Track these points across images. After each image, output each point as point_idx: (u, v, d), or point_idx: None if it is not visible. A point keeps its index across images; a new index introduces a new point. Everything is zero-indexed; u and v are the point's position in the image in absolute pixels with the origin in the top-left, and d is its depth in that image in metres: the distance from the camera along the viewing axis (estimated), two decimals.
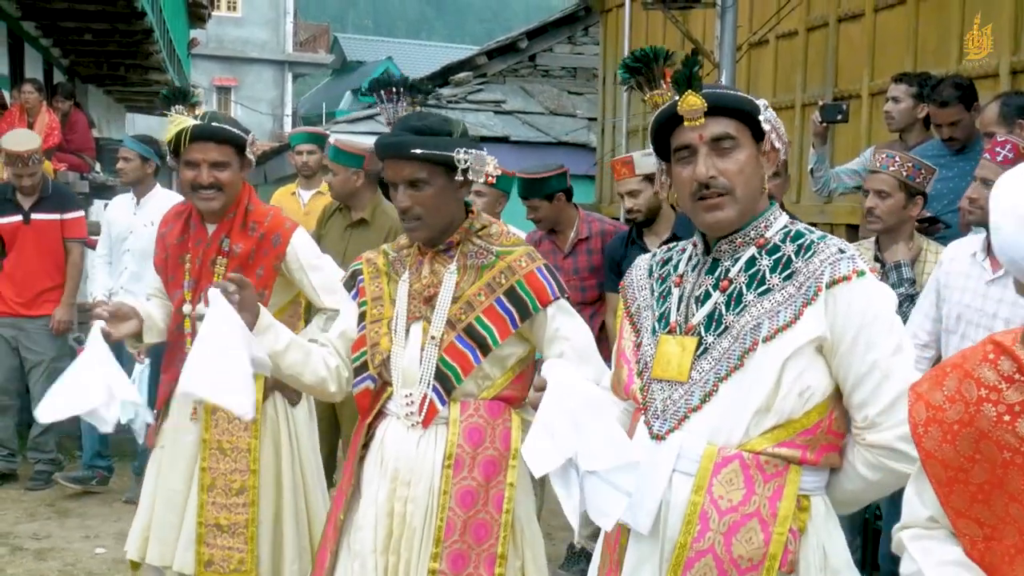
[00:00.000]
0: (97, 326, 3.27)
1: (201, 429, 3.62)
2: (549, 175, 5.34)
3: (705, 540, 2.10)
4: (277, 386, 3.61)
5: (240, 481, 3.60)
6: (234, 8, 37.28)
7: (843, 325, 2.09)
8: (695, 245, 2.31)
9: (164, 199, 6.24)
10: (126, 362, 5.31)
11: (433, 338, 2.77)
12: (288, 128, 34.59)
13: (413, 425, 2.79)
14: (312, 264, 3.67)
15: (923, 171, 4.17)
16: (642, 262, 2.43)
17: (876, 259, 4.33)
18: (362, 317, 2.90)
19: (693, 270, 2.27)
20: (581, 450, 2.07)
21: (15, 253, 6.64)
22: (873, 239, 4.38)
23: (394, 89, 2.94)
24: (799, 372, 2.09)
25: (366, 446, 2.90)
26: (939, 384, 1.71)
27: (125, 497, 6.46)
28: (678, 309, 2.25)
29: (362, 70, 36.55)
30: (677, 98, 2.18)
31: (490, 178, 2.80)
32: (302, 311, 4.00)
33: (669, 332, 2.24)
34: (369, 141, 6.16)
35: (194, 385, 2.69)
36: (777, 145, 2.21)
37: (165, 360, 3.74)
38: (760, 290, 2.15)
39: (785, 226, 2.22)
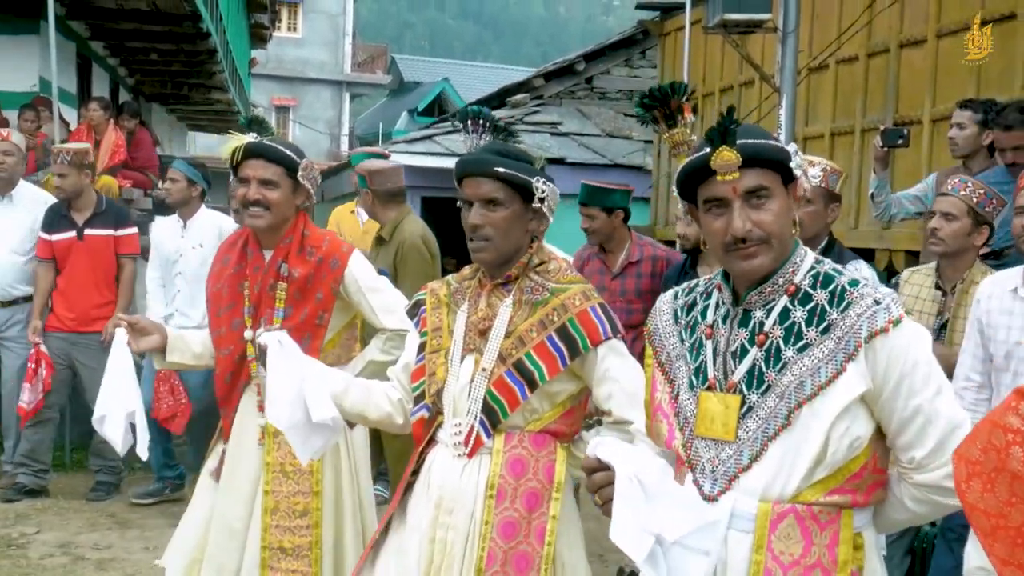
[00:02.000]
0: (120, 334, 3.44)
1: (264, 452, 3.67)
2: (615, 188, 5.40)
3: None
4: None
5: (303, 503, 3.64)
6: (294, 29, 37.78)
7: (884, 375, 2.11)
8: (720, 290, 2.29)
9: (209, 219, 6.39)
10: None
11: (484, 370, 2.80)
12: (345, 148, 34.96)
13: (460, 455, 2.82)
14: (370, 286, 3.72)
15: (995, 200, 4.11)
16: (665, 306, 2.40)
17: (937, 286, 4.29)
18: (422, 348, 2.95)
19: (724, 321, 2.26)
20: (663, 523, 2.04)
21: (68, 269, 6.69)
22: (934, 264, 4.32)
23: (481, 122, 2.95)
24: (847, 426, 2.11)
25: (416, 472, 2.94)
26: (974, 441, 1.75)
27: (133, 495, 6.65)
28: (715, 364, 2.24)
29: (419, 91, 36.86)
30: (708, 150, 2.13)
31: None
32: (358, 333, 4.05)
33: (708, 388, 2.23)
34: (380, 162, 6.27)
35: (274, 418, 2.88)
36: (805, 185, 2.15)
37: (221, 388, 3.77)
38: (798, 345, 2.14)
39: (812, 268, 2.21)
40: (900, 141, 5.48)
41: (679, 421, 2.27)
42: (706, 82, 10.34)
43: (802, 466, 2.11)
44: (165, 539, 5.96)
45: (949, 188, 4.16)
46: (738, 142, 2.12)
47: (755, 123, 8.75)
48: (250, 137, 3.60)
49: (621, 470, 2.09)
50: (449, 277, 3.05)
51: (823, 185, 4.09)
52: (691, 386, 2.26)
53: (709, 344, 2.26)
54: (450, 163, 11.65)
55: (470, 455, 2.81)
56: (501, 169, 2.75)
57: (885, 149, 5.54)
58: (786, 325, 2.16)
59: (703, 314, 2.30)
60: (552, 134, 13.35)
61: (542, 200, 2.79)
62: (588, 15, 79.29)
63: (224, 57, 15.00)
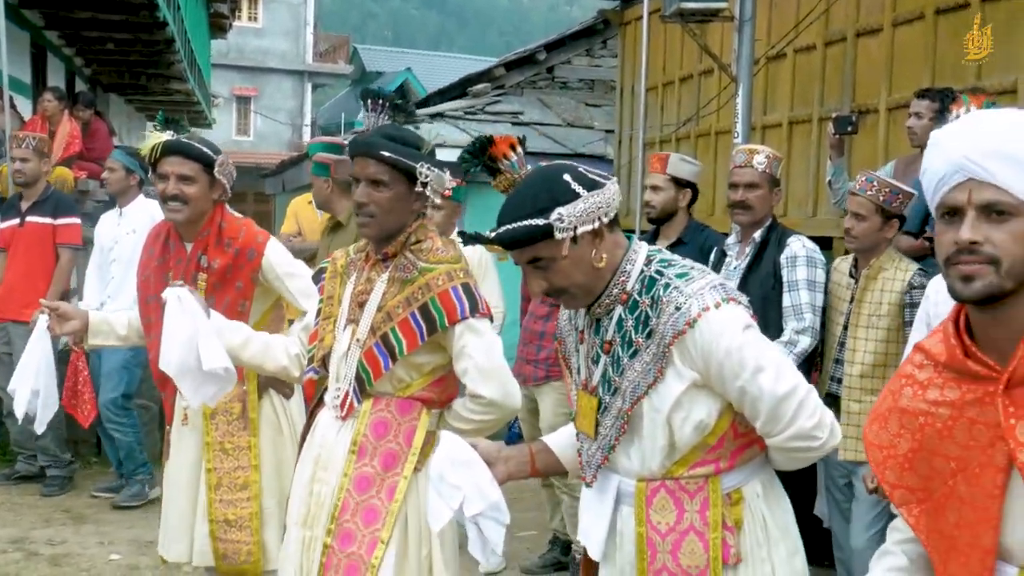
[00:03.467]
0: (43, 320, 3.65)
1: (203, 433, 3.91)
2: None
3: (657, 561, 2.40)
4: (270, 383, 3.93)
5: (244, 477, 3.91)
6: (255, 19, 37.50)
7: (704, 365, 2.33)
8: None
9: (143, 206, 6.39)
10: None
11: (358, 341, 3.05)
12: (307, 138, 34.73)
13: (337, 416, 3.08)
14: (288, 272, 3.95)
15: (900, 196, 4.33)
16: (565, 314, 2.65)
17: (851, 274, 4.51)
18: (319, 313, 3.21)
19: (588, 328, 2.52)
20: (464, 500, 2.49)
21: (9, 256, 6.65)
22: (852, 256, 4.58)
23: (381, 102, 3.16)
24: (685, 415, 2.36)
25: (308, 429, 3.22)
26: (883, 392, 2.02)
27: (95, 488, 6.61)
28: (584, 367, 2.53)
29: (381, 81, 36.64)
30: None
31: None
32: (285, 315, 4.26)
33: (583, 388, 2.54)
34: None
35: (165, 364, 3.19)
36: (590, 229, 2.36)
37: (156, 372, 3.84)
38: (630, 352, 2.40)
39: (642, 272, 2.42)
40: (850, 128, 5.59)
41: (574, 413, 2.58)
42: (666, 71, 10.35)
43: (657, 453, 2.39)
44: (119, 534, 5.92)
45: (857, 188, 4.38)
46: (501, 235, 2.38)
47: (714, 112, 8.79)
48: (168, 135, 3.81)
49: (437, 457, 2.56)
50: (350, 247, 3.28)
51: (767, 171, 4.48)
52: (575, 384, 2.58)
53: (582, 349, 2.54)
54: None
55: (344, 417, 3.07)
56: (386, 153, 2.97)
57: (838, 136, 5.61)
58: (622, 333, 2.42)
59: (580, 319, 2.56)
60: (513, 123, 13.31)
61: (425, 184, 3.01)
62: (551, 4, 79.29)
63: (182, 47, 14.83)
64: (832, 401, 4.37)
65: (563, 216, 2.32)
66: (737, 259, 4.63)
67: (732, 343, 2.30)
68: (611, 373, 2.43)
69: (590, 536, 2.51)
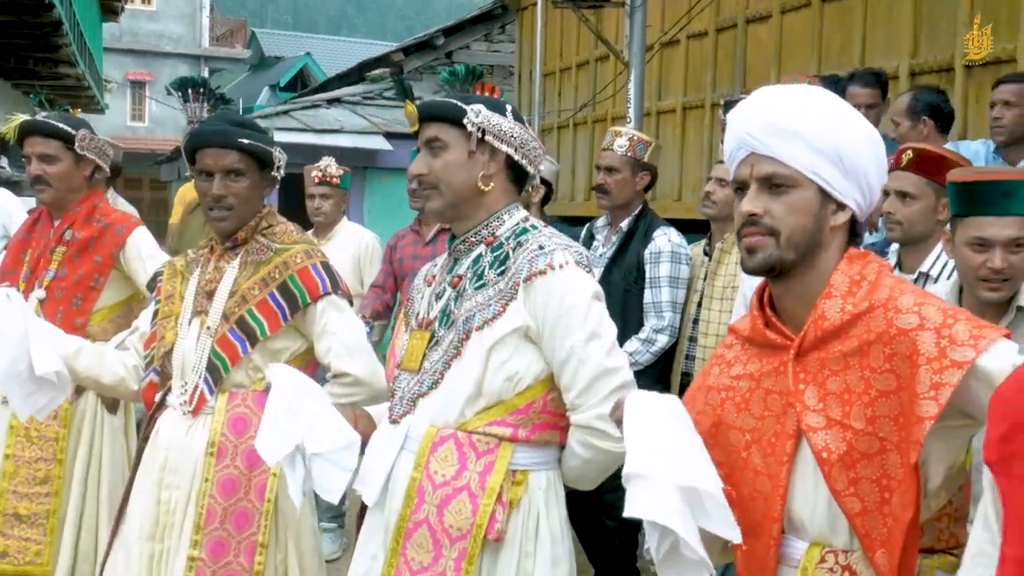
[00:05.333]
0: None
1: (11, 415, 3.56)
2: None
3: (421, 512, 2.31)
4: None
5: (45, 470, 3.60)
6: (149, 2, 36.62)
7: (543, 315, 2.29)
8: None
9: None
10: None
11: (209, 329, 2.91)
12: None
13: (184, 414, 2.90)
14: (151, 255, 3.77)
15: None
16: (424, 268, 2.63)
17: (705, 252, 4.53)
18: (155, 315, 3.05)
19: (443, 269, 2.50)
20: (306, 436, 2.30)
21: None
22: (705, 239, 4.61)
23: (201, 90, 3.10)
24: (505, 359, 2.31)
25: (146, 439, 2.99)
26: (699, 374, 2.09)
27: None
28: (426, 306, 2.48)
29: (280, 66, 36.14)
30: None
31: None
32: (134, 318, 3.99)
33: (418, 327, 2.47)
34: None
35: None
36: (499, 147, 2.39)
37: None
38: (477, 284, 2.37)
39: (518, 224, 2.42)
40: None
41: (398, 359, 2.49)
42: (563, 57, 10.40)
43: (465, 391, 2.32)
44: None
45: (724, 157, 4.36)
46: (423, 101, 2.43)
47: (610, 98, 8.86)
48: (23, 116, 3.67)
49: (276, 388, 2.38)
50: (189, 251, 3.17)
51: (629, 154, 4.40)
52: (408, 329, 2.51)
53: (427, 290, 2.51)
54: (309, 139, 11.52)
55: (194, 413, 2.89)
56: (245, 141, 2.88)
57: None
58: (476, 268, 2.40)
59: (437, 269, 2.54)
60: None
61: (279, 168, 2.95)
62: None
63: (71, 30, 14.40)
64: (687, 381, 4.29)
65: (480, 113, 2.36)
66: (604, 246, 4.57)
67: (578, 301, 2.29)
68: (452, 306, 2.40)
69: (368, 481, 2.40)
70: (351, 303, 3.00)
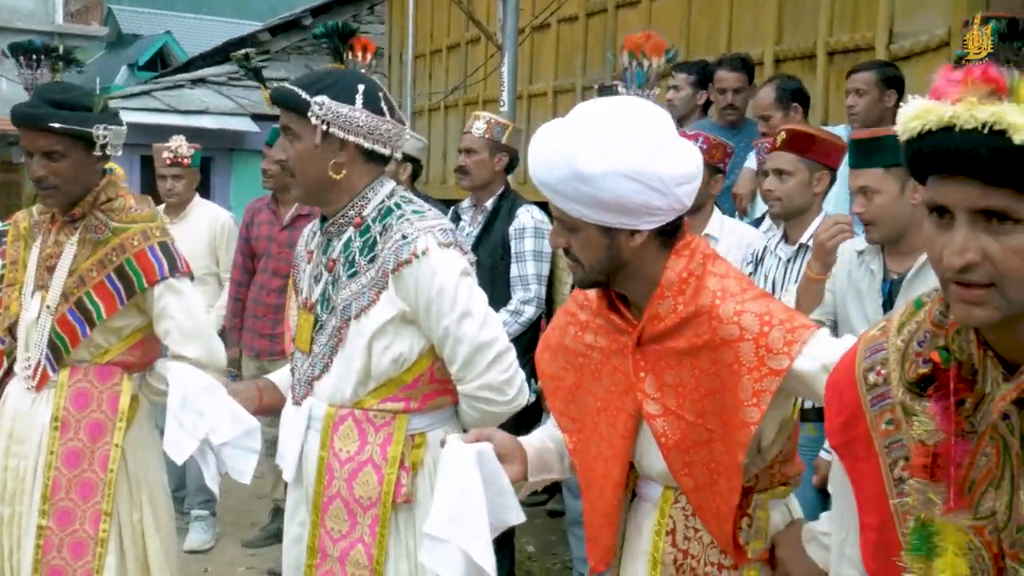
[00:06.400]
0: None
1: None
2: None
3: (332, 487, 2.50)
4: None
5: None
6: None
7: (415, 300, 2.42)
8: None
9: None
10: None
11: (48, 307, 2.92)
12: None
13: (29, 387, 2.95)
14: None
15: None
16: (307, 231, 2.70)
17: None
18: (2, 280, 3.06)
19: (318, 248, 2.58)
20: (209, 430, 2.51)
21: None
22: None
23: (34, 56, 3.01)
24: (387, 344, 2.44)
25: None
26: (553, 323, 2.23)
27: None
28: (307, 286, 2.58)
29: (139, 44, 35.02)
30: None
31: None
32: None
33: (303, 306, 2.58)
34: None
35: None
36: (346, 137, 2.44)
37: None
38: (350, 272, 2.48)
39: (382, 202, 2.50)
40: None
41: (291, 335, 2.63)
42: (434, 39, 10.35)
43: (354, 376, 2.45)
44: None
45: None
46: (276, 88, 2.48)
47: (481, 80, 8.86)
48: None
49: (174, 390, 2.56)
50: (33, 207, 3.11)
51: (487, 136, 4.56)
52: (297, 305, 2.62)
53: (308, 268, 2.60)
54: (173, 120, 11.20)
55: (38, 388, 2.94)
56: (57, 124, 2.79)
57: None
58: (347, 253, 2.49)
59: (313, 241, 2.62)
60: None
61: (104, 147, 2.87)
62: None
63: None
64: None
65: (324, 105, 2.41)
66: (470, 225, 4.71)
67: (447, 283, 2.41)
68: (330, 291, 2.50)
69: (285, 459, 2.57)
70: (192, 279, 3.01)
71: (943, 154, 1.25)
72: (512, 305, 4.51)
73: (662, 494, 2.07)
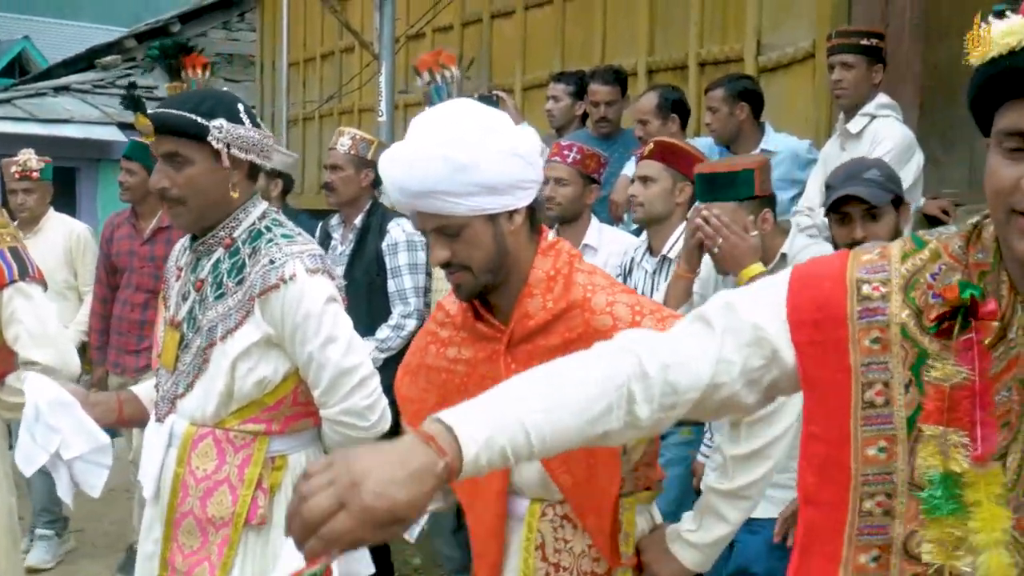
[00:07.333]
0: None
1: None
2: None
3: (186, 504, 2.49)
4: None
5: None
6: None
7: (281, 324, 2.42)
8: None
9: None
10: None
11: None
12: None
13: None
14: None
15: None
16: (179, 247, 2.69)
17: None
18: None
19: (187, 265, 2.58)
20: (61, 444, 2.50)
21: None
22: None
23: None
24: (251, 367, 2.44)
25: None
26: (412, 348, 2.26)
27: None
28: (175, 303, 2.58)
29: None
30: None
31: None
32: None
33: (170, 324, 2.58)
34: None
35: None
36: (243, 157, 2.45)
37: None
38: (218, 293, 2.48)
39: (253, 224, 2.51)
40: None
41: (159, 347, 2.63)
42: (307, 47, 10.23)
43: (216, 396, 2.45)
44: None
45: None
46: (159, 113, 2.42)
47: (356, 90, 8.79)
48: None
49: (29, 402, 2.53)
50: None
51: (352, 152, 4.59)
52: (164, 321, 2.62)
53: (176, 285, 2.60)
54: (34, 129, 10.79)
55: None
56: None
57: None
58: (216, 274, 2.50)
59: (183, 259, 2.61)
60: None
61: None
62: None
63: None
64: None
65: (223, 128, 2.41)
66: (342, 244, 4.71)
67: (312, 309, 2.41)
68: (197, 311, 2.50)
69: (145, 477, 2.56)
70: (45, 288, 2.95)
71: None
72: (393, 320, 4.52)
73: (529, 508, 2.11)
